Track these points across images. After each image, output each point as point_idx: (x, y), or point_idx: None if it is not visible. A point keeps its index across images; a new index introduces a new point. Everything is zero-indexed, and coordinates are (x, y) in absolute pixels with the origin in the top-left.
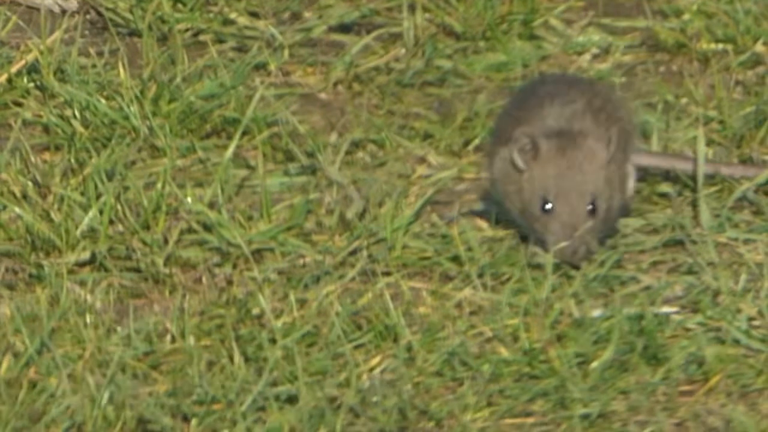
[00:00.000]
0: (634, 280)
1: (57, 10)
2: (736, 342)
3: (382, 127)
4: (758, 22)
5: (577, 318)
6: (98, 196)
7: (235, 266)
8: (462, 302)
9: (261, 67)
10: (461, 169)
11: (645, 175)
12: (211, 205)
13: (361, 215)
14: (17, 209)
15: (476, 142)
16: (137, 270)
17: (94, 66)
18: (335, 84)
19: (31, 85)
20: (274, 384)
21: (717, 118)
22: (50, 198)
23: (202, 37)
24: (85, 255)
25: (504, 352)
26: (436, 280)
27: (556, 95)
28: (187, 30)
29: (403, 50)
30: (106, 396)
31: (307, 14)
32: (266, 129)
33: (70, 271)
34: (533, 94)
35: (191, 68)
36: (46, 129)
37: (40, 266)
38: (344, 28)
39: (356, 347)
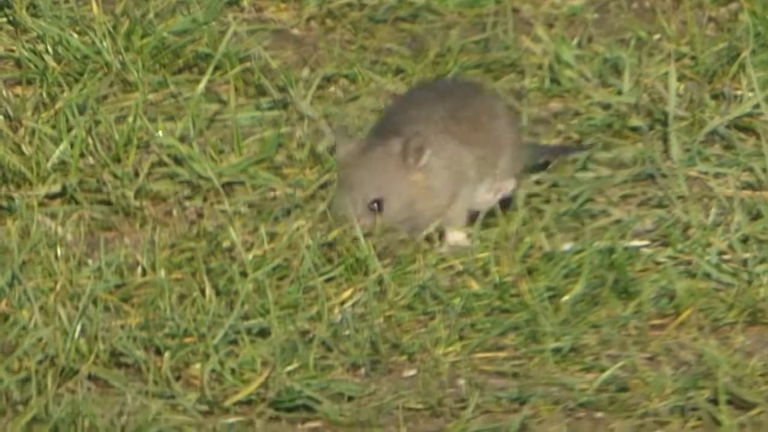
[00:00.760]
0: (605, 214)
1: None
2: (707, 276)
3: (354, 63)
4: None
5: (547, 251)
6: (69, 130)
7: (205, 199)
8: (432, 235)
9: (234, 2)
10: None
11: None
12: (182, 139)
13: (332, 149)
14: None
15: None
16: (108, 203)
17: (66, 1)
18: (308, 19)
19: (4, 19)
20: (246, 317)
21: (689, 54)
22: (21, 131)
23: None
24: (56, 187)
25: (475, 286)
26: None
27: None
28: None
29: None
30: (78, 329)
31: None
32: (238, 64)
33: (41, 204)
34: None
35: (164, 4)
36: (18, 63)
37: (10, 198)
38: None
39: (327, 280)
